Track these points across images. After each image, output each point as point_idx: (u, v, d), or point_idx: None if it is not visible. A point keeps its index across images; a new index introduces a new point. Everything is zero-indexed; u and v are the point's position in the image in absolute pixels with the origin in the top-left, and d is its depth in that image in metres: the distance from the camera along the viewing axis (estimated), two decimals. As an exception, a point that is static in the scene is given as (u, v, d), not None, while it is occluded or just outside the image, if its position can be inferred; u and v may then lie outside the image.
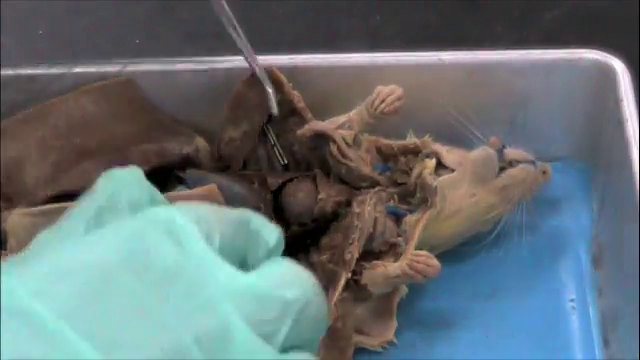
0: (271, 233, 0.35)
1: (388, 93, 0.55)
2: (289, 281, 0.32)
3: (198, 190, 0.50)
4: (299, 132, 0.54)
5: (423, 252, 0.51)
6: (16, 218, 0.50)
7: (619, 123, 0.54)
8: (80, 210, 0.34)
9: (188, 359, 0.29)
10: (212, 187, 0.50)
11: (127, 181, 0.35)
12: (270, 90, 0.54)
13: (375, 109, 0.54)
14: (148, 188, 0.35)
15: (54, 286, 0.30)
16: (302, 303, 0.32)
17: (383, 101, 0.54)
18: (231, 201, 0.50)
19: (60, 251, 0.32)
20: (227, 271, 0.31)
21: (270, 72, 0.55)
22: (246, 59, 0.54)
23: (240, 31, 0.53)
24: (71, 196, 0.52)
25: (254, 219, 0.35)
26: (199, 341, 0.30)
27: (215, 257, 0.31)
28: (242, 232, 0.34)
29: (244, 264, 0.34)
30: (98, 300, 0.30)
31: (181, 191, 0.52)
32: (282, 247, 0.36)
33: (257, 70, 0.54)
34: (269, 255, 0.35)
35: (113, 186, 0.35)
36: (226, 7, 0.53)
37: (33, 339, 0.29)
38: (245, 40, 0.53)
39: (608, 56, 0.57)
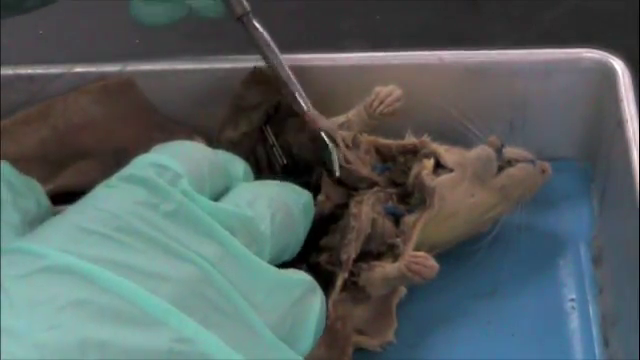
0: (238, 167, 0.44)
1: (387, 94, 0.55)
2: (250, 200, 0.39)
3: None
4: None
5: (421, 253, 0.51)
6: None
7: (619, 123, 0.54)
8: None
9: (210, 280, 0.34)
10: None
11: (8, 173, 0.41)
12: (333, 149, 0.54)
13: (374, 110, 0.55)
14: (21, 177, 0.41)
15: (79, 242, 0.34)
16: (269, 213, 0.39)
17: (382, 102, 0.54)
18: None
19: (70, 213, 0.37)
20: (221, 206, 0.38)
21: (268, 72, 0.55)
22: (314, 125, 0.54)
23: (304, 95, 0.54)
24: (71, 196, 0.52)
25: (222, 158, 0.43)
26: (215, 265, 0.35)
27: (204, 199, 0.37)
28: (217, 170, 0.41)
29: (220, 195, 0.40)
30: (121, 245, 0.34)
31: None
32: (250, 173, 0.45)
33: (323, 133, 0.54)
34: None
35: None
36: (292, 76, 0.54)
37: (75, 287, 0.32)
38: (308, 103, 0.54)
39: (608, 56, 0.57)
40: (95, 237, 0.34)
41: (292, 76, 0.54)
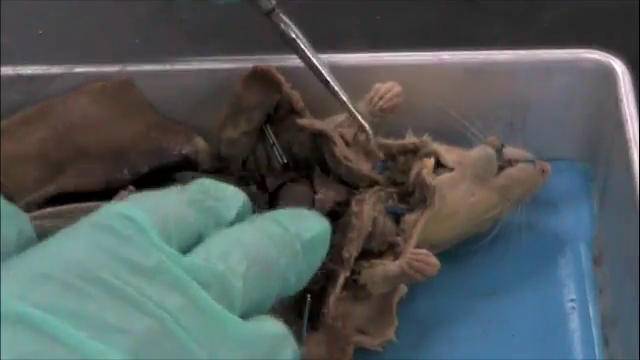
0: (231, 205, 0.39)
1: (386, 90, 0.55)
2: (224, 251, 0.36)
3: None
4: (299, 121, 0.54)
5: (422, 250, 0.51)
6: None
7: (619, 123, 0.54)
8: None
9: (170, 332, 0.33)
10: None
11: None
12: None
13: (374, 106, 0.55)
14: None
15: (36, 288, 0.32)
16: (244, 266, 0.36)
17: (382, 98, 0.55)
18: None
19: (30, 256, 0.34)
20: (186, 259, 0.35)
21: (268, 72, 0.55)
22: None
23: (339, 86, 0.54)
24: (71, 196, 0.52)
25: (212, 194, 0.38)
26: (176, 317, 0.33)
27: (169, 248, 0.35)
28: (195, 212, 0.37)
29: (201, 238, 0.37)
30: (80, 294, 0.32)
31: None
32: (249, 211, 0.40)
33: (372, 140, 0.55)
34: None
35: None
36: (321, 69, 0.54)
37: (28, 339, 0.30)
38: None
39: (608, 56, 0.57)
40: (54, 284, 0.32)
41: (323, 69, 0.54)
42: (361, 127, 0.54)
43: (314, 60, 0.54)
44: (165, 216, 0.36)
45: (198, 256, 0.35)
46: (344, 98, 0.54)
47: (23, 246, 0.37)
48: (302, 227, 0.39)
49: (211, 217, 0.38)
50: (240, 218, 0.39)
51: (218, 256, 0.36)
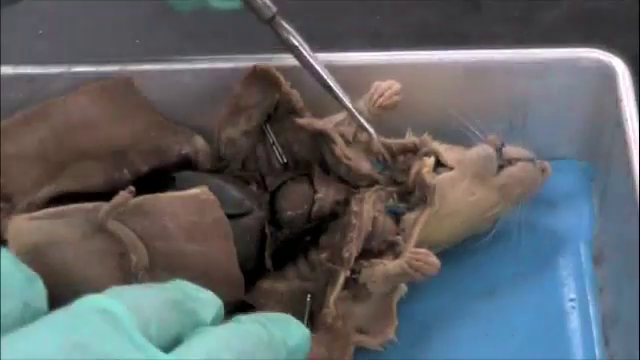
0: (208, 308, 0.37)
1: (386, 87, 0.55)
2: (210, 353, 0.35)
3: (190, 191, 0.50)
4: (298, 121, 0.54)
5: (422, 250, 0.51)
6: (19, 223, 0.50)
7: (619, 122, 0.54)
8: None
9: None
10: (204, 188, 0.50)
11: (8, 266, 0.37)
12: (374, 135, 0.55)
13: (374, 103, 0.55)
14: (22, 266, 0.37)
15: None
16: None
17: (381, 95, 0.55)
18: (225, 202, 0.50)
19: (6, 347, 0.32)
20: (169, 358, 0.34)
21: (268, 71, 0.55)
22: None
23: (341, 90, 0.54)
24: (71, 197, 0.52)
25: (191, 295, 0.37)
26: None
27: (149, 346, 0.33)
28: (177, 314, 0.36)
29: (180, 339, 0.36)
30: None
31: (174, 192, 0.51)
32: (221, 317, 0.38)
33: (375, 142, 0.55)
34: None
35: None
36: (323, 73, 0.54)
37: None
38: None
39: (608, 55, 0.57)
40: None
41: (324, 73, 0.54)
42: (365, 130, 0.54)
43: (316, 66, 0.54)
44: (146, 313, 0.35)
45: (180, 356, 0.34)
46: (348, 104, 0.54)
47: (29, 319, 0.36)
48: (287, 333, 0.38)
49: (190, 318, 0.37)
50: (214, 322, 0.38)
51: (203, 356, 0.35)
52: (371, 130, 0.54)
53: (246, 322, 0.38)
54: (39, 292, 0.37)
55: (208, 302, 0.38)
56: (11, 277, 0.37)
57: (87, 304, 0.34)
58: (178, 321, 0.36)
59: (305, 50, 0.54)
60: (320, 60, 0.55)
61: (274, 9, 0.54)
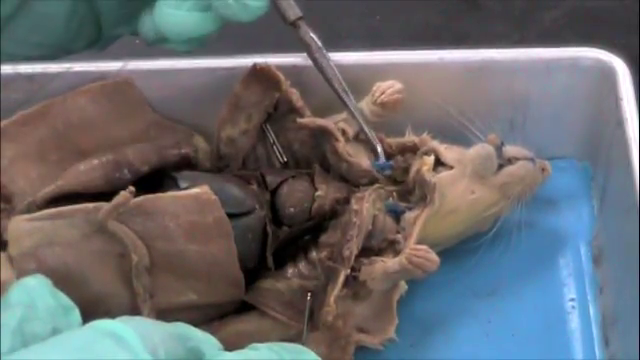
0: (211, 348, 0.38)
1: (388, 86, 0.55)
2: None
3: (191, 191, 0.50)
4: (300, 120, 0.54)
5: (422, 246, 0.51)
6: (19, 224, 0.50)
7: (619, 122, 0.54)
8: (2, 325, 0.35)
9: None
10: (204, 187, 0.50)
11: (40, 290, 0.37)
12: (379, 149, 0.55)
13: (375, 101, 0.55)
14: (58, 295, 0.38)
15: None
16: None
17: (383, 93, 0.55)
18: (226, 202, 0.50)
19: None
20: None
21: (267, 71, 0.55)
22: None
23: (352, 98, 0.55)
24: (71, 197, 0.52)
25: (193, 335, 0.38)
26: None
27: None
28: (182, 347, 0.37)
29: None
30: None
31: (175, 192, 0.51)
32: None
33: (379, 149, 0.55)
34: None
35: (28, 297, 0.37)
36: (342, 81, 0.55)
37: None
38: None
39: (609, 55, 0.57)
40: None
41: (342, 81, 0.55)
42: (368, 139, 0.55)
43: (335, 70, 0.55)
44: (155, 340, 0.35)
45: None
46: (359, 119, 0.55)
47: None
48: None
49: (195, 354, 0.37)
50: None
51: None
52: (376, 142, 0.55)
53: (261, 349, 0.39)
54: (74, 321, 0.38)
55: (210, 342, 0.39)
56: (41, 300, 0.37)
57: (98, 327, 0.35)
58: (184, 353, 0.37)
59: (325, 56, 0.55)
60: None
61: (299, 12, 0.55)
